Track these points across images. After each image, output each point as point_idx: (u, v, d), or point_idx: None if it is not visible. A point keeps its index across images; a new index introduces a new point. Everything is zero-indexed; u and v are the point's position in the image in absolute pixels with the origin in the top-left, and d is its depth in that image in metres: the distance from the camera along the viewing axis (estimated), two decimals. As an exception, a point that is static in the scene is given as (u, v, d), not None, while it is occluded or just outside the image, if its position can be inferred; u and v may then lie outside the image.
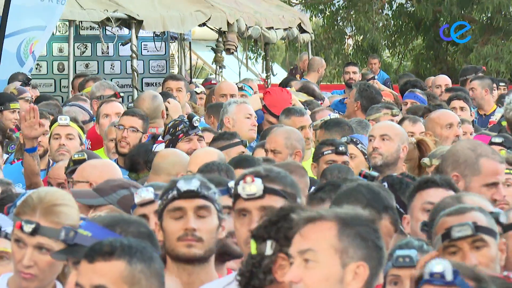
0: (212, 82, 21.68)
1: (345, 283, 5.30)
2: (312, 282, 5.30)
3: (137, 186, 7.96)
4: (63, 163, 10.29)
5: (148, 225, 6.07)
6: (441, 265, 5.07)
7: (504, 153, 10.13)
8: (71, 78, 19.12)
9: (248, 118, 12.86)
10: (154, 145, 11.03)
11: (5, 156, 12.26)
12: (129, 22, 22.84)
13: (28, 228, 6.23)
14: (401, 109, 15.38)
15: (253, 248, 5.87)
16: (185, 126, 11.33)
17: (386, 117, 13.42)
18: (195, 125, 11.35)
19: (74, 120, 11.68)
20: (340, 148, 10.27)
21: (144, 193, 6.80)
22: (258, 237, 5.85)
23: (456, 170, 8.24)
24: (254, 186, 6.51)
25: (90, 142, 12.64)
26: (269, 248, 5.78)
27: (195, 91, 17.99)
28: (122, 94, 15.36)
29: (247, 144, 11.71)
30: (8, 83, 17.10)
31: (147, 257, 5.26)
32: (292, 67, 25.84)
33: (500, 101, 16.42)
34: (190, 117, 11.57)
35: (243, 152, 10.93)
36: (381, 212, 7.08)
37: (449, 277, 5.06)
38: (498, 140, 10.60)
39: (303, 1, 37.62)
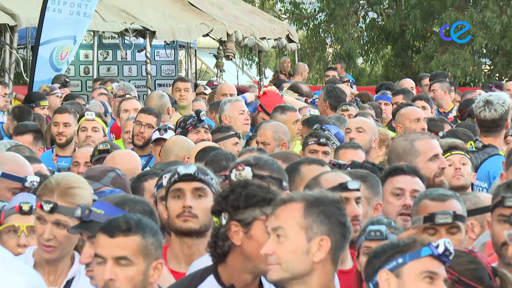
0: (214, 83, 21.74)
1: (310, 254, 5.34)
2: (283, 254, 5.34)
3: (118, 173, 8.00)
4: (88, 147, 10.46)
5: (150, 204, 6.10)
6: None
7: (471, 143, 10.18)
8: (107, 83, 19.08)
9: (241, 114, 12.90)
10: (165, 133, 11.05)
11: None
12: (144, 32, 22.84)
13: (47, 207, 6.22)
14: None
15: (215, 222, 5.94)
16: (194, 120, 11.40)
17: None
18: (202, 118, 11.42)
19: (98, 115, 11.66)
20: (321, 140, 10.17)
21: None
22: (216, 212, 5.89)
23: (402, 161, 8.18)
24: (244, 173, 6.59)
25: (114, 136, 12.56)
26: (223, 219, 5.82)
27: (204, 92, 18.03)
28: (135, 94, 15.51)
29: (241, 136, 11.68)
30: (52, 83, 17.13)
31: (155, 231, 5.38)
32: (276, 70, 25.90)
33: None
34: (197, 112, 11.61)
35: (237, 143, 10.99)
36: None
37: None
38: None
39: (290, 16, 37.55)
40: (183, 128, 11.22)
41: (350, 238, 5.51)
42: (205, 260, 6.26)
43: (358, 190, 6.90)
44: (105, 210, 5.65)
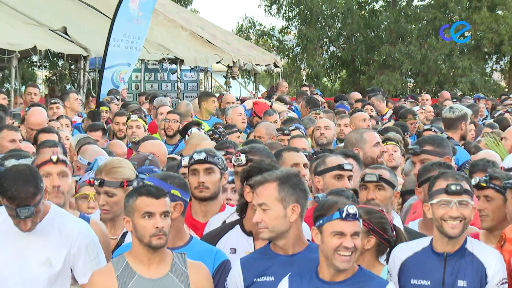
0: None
1: (287, 217, 5.23)
2: (268, 221, 5.24)
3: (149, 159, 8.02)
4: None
5: (184, 178, 6.00)
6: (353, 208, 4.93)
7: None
8: (143, 98, 19.04)
9: (239, 116, 12.94)
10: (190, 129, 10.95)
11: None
12: (176, 60, 22.66)
13: (97, 182, 6.16)
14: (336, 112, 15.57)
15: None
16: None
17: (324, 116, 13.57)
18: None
19: (140, 117, 11.65)
20: (285, 131, 10.37)
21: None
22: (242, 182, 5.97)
23: (354, 147, 8.14)
24: (240, 158, 6.55)
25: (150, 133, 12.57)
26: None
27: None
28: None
29: (241, 131, 11.78)
30: (107, 95, 17.12)
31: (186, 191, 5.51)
32: (270, 86, 25.89)
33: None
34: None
35: (239, 136, 11.01)
36: None
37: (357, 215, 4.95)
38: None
39: (276, 49, 37.46)
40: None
41: (308, 197, 5.48)
42: (220, 217, 6.37)
43: (351, 170, 6.86)
44: (153, 182, 5.50)
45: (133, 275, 5.06)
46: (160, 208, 5.06)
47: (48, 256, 5.28)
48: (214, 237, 5.94)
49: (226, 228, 6.00)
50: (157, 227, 5.01)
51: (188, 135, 10.66)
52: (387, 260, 5.47)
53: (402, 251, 5.29)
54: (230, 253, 5.78)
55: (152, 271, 5.09)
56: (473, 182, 5.78)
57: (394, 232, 5.53)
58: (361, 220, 5.04)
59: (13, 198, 5.13)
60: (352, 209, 4.94)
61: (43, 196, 5.23)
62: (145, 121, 11.94)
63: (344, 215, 4.93)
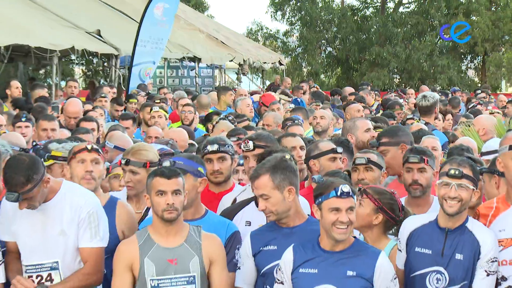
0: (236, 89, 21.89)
1: (286, 199, 5.22)
2: (271, 207, 5.22)
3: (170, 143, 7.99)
4: (156, 128, 10.23)
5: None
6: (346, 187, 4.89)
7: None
8: (165, 89, 18.95)
9: (247, 106, 12.83)
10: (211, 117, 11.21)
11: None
12: (194, 59, 22.65)
13: (123, 161, 6.14)
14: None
15: None
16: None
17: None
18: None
19: (161, 108, 11.44)
20: (295, 121, 10.02)
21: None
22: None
23: (348, 134, 8.05)
24: (249, 145, 6.43)
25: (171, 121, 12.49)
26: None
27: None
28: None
29: (250, 120, 11.70)
30: (137, 88, 17.18)
31: (198, 173, 5.37)
32: (271, 82, 25.87)
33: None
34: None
35: (249, 124, 10.80)
36: None
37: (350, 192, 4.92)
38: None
39: (281, 49, 37.30)
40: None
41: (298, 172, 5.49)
42: (232, 195, 6.32)
43: (341, 152, 6.76)
44: (183, 162, 5.53)
45: (152, 244, 5.07)
46: (172, 187, 5.05)
47: (62, 227, 5.27)
48: (232, 211, 5.93)
49: (243, 204, 5.96)
50: (168, 204, 5.01)
51: (211, 122, 10.83)
52: (395, 233, 5.44)
53: (412, 223, 5.25)
54: (246, 225, 5.75)
55: (169, 241, 5.09)
56: None
57: (403, 212, 5.49)
58: (355, 197, 4.98)
59: (5, 182, 5.14)
60: (346, 187, 4.90)
61: (38, 186, 5.14)
62: (166, 111, 11.73)
63: (339, 193, 4.89)
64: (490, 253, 5.07)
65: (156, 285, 5.02)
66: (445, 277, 5.09)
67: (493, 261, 5.07)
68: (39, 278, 5.22)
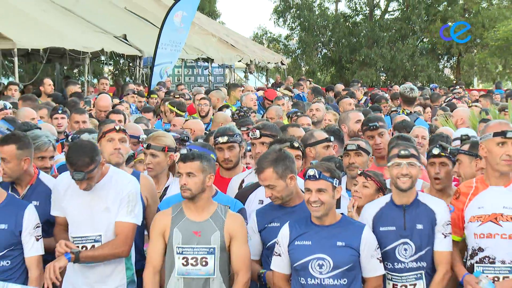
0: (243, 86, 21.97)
1: (289, 185, 5.21)
2: (277, 193, 5.22)
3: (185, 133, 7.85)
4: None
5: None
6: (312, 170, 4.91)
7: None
8: (182, 86, 18.96)
9: (251, 100, 12.58)
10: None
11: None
12: (207, 59, 22.71)
13: (145, 145, 6.14)
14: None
15: None
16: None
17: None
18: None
19: (174, 103, 11.25)
20: (298, 114, 9.93)
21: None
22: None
23: (342, 124, 8.05)
24: (256, 133, 6.36)
25: (189, 113, 12.40)
26: None
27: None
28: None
29: (256, 112, 11.56)
30: (157, 85, 17.21)
31: (209, 159, 5.15)
32: (274, 81, 25.85)
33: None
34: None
35: (254, 116, 10.78)
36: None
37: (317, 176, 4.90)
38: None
39: (282, 51, 37.35)
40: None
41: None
42: (240, 177, 6.25)
43: (333, 141, 6.69)
44: (198, 149, 5.52)
45: (183, 217, 5.08)
46: (186, 169, 5.04)
47: (107, 205, 5.25)
48: (247, 192, 5.88)
49: (255, 185, 5.85)
50: (182, 184, 5.04)
51: None
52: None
53: (371, 208, 5.23)
54: (259, 204, 5.69)
55: (197, 216, 5.08)
56: (434, 152, 5.73)
57: (387, 190, 5.55)
58: (328, 178, 4.94)
59: (72, 164, 5.12)
60: (311, 171, 4.91)
61: (98, 167, 5.17)
62: (182, 107, 11.49)
63: (307, 176, 4.93)
64: (444, 219, 5.10)
65: (180, 252, 5.01)
66: (412, 247, 5.07)
67: (447, 224, 5.10)
68: (84, 248, 5.21)
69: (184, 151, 5.40)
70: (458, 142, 6.52)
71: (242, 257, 5.04)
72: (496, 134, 5.02)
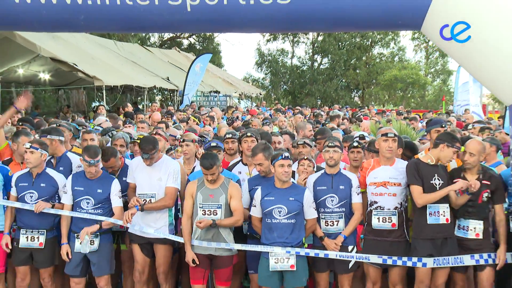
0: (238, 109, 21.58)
1: (269, 165, 4.93)
2: (264, 168, 5.01)
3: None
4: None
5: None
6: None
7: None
8: (202, 107, 18.75)
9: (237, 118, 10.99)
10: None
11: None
12: (216, 91, 22.67)
13: (182, 140, 5.86)
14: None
15: None
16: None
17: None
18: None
19: (197, 117, 10.75)
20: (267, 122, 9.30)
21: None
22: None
23: (300, 130, 7.69)
24: (248, 134, 5.82)
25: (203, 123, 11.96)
26: None
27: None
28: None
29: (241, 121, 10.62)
30: (184, 107, 16.89)
31: (219, 163, 4.86)
32: (255, 104, 25.41)
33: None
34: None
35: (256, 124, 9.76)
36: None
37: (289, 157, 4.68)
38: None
39: (260, 87, 36.70)
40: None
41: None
42: (235, 160, 5.89)
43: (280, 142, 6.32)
44: (217, 142, 5.45)
45: (203, 186, 4.92)
46: (212, 171, 4.82)
47: (160, 176, 5.13)
48: (232, 166, 5.67)
49: (236, 162, 5.71)
50: (210, 175, 4.88)
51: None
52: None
53: (313, 177, 5.10)
54: (237, 173, 5.49)
55: (211, 185, 4.92)
56: (354, 144, 5.58)
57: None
58: (292, 161, 4.82)
59: (142, 149, 5.07)
60: (286, 153, 4.82)
61: (157, 151, 5.10)
62: (199, 119, 11.02)
63: (283, 156, 4.79)
64: (356, 183, 5.00)
65: (201, 206, 4.87)
66: (336, 199, 4.97)
67: (358, 187, 5.00)
68: (144, 201, 5.12)
69: (207, 146, 5.38)
70: (357, 139, 6.29)
71: (237, 208, 4.95)
72: (382, 135, 5.00)
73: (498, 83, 4.49)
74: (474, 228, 4.68)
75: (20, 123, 6.50)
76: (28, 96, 5.63)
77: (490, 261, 4.64)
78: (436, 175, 4.70)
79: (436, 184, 4.68)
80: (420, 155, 4.92)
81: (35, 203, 5.02)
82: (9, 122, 7.58)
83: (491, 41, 4.36)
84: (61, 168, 5.31)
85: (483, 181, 4.68)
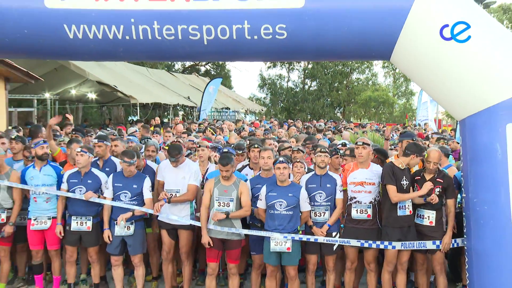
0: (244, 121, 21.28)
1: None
2: (270, 163, 4.88)
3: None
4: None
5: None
6: None
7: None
8: (215, 121, 18.74)
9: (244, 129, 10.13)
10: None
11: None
12: (227, 108, 22.64)
13: (198, 145, 5.79)
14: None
15: None
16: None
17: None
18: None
19: (212, 128, 9.98)
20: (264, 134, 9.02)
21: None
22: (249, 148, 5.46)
23: (291, 140, 7.42)
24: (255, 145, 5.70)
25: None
26: None
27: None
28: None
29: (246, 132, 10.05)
30: (201, 120, 16.67)
31: (233, 163, 4.73)
32: (259, 118, 25.04)
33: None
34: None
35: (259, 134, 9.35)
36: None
37: (285, 162, 4.60)
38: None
39: (262, 104, 36.51)
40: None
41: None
42: (241, 164, 5.76)
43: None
44: (229, 149, 5.32)
45: (219, 182, 4.86)
46: (227, 168, 4.76)
47: (184, 175, 5.10)
48: (241, 168, 5.60)
49: (245, 165, 5.63)
50: (225, 172, 4.73)
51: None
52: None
53: (306, 177, 5.06)
54: (245, 175, 5.43)
55: (226, 182, 4.85)
56: (341, 152, 5.51)
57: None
58: (288, 162, 4.78)
59: (170, 154, 5.05)
60: (282, 159, 4.77)
61: (181, 155, 5.08)
62: (214, 130, 10.39)
63: (278, 161, 4.76)
64: (339, 183, 4.97)
65: (217, 199, 4.82)
66: (324, 194, 4.94)
67: (341, 185, 4.97)
68: (171, 195, 5.09)
69: (224, 149, 5.26)
70: (340, 146, 6.12)
71: (245, 202, 4.91)
72: (356, 144, 5.02)
73: (448, 100, 4.39)
74: (428, 217, 4.69)
75: (74, 132, 6.78)
76: (58, 116, 5.66)
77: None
78: (404, 177, 4.76)
79: (404, 184, 4.73)
80: (391, 159, 5.02)
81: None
82: (62, 132, 7.86)
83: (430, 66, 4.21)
84: (107, 169, 5.25)
85: (437, 179, 4.73)
